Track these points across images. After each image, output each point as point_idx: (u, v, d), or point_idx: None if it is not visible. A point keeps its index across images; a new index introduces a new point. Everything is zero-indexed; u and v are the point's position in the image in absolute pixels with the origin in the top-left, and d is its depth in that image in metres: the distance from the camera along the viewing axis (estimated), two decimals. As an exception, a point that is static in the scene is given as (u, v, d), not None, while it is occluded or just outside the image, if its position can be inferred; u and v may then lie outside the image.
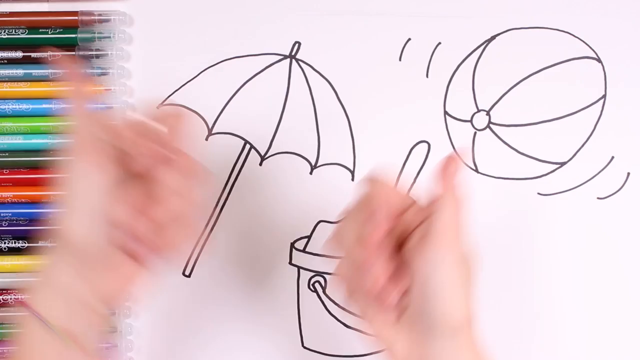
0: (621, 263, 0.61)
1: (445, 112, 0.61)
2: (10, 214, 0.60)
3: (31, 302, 0.43)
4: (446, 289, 0.41)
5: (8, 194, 0.59)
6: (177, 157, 0.43)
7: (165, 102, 0.61)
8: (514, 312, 0.61)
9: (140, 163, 0.43)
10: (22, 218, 0.60)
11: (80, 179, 0.43)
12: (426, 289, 0.41)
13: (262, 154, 0.61)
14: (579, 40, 0.61)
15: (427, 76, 0.61)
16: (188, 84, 0.61)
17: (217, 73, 0.61)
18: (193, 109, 0.61)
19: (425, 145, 0.61)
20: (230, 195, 0.61)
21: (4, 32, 0.59)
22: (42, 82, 0.60)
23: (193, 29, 0.61)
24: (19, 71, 0.59)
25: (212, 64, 0.61)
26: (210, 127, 0.61)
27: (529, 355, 0.61)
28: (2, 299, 0.60)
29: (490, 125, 0.61)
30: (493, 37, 0.61)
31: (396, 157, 0.61)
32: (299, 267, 0.61)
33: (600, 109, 0.61)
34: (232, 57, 0.61)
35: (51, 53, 0.56)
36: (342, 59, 0.61)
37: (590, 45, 0.61)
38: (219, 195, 0.61)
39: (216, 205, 0.61)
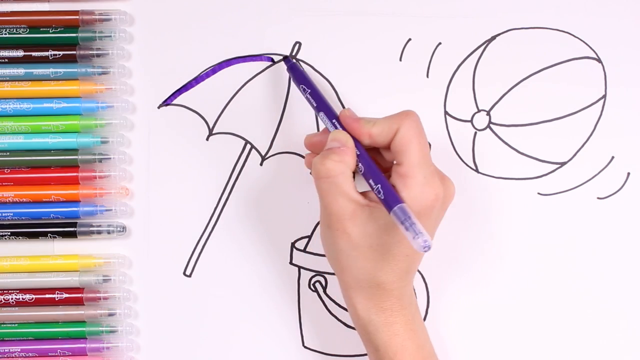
0: (621, 263, 0.61)
1: (446, 112, 0.61)
2: (11, 214, 0.60)
3: None
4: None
5: (9, 194, 0.59)
6: None
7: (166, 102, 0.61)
8: (513, 311, 0.61)
9: None
10: (23, 218, 0.60)
11: None
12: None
13: (263, 154, 0.61)
14: (579, 40, 0.61)
15: (427, 76, 0.61)
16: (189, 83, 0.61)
17: (218, 73, 0.61)
18: (193, 108, 0.61)
19: (426, 145, 0.61)
20: (230, 195, 0.61)
21: (5, 31, 0.59)
22: (43, 82, 0.60)
23: (194, 29, 0.61)
24: (19, 70, 0.59)
25: (213, 64, 0.61)
26: (210, 127, 0.61)
27: (524, 355, 0.61)
28: (3, 298, 0.59)
29: (491, 125, 0.61)
30: (493, 37, 0.61)
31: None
32: (299, 267, 0.61)
33: (600, 109, 0.61)
34: (232, 57, 0.61)
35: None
36: (342, 59, 0.61)
37: (590, 45, 0.61)
38: (219, 195, 0.61)
39: (216, 205, 0.61)
